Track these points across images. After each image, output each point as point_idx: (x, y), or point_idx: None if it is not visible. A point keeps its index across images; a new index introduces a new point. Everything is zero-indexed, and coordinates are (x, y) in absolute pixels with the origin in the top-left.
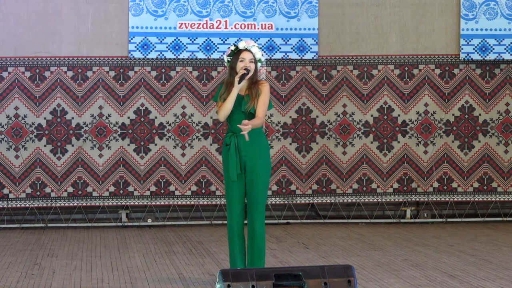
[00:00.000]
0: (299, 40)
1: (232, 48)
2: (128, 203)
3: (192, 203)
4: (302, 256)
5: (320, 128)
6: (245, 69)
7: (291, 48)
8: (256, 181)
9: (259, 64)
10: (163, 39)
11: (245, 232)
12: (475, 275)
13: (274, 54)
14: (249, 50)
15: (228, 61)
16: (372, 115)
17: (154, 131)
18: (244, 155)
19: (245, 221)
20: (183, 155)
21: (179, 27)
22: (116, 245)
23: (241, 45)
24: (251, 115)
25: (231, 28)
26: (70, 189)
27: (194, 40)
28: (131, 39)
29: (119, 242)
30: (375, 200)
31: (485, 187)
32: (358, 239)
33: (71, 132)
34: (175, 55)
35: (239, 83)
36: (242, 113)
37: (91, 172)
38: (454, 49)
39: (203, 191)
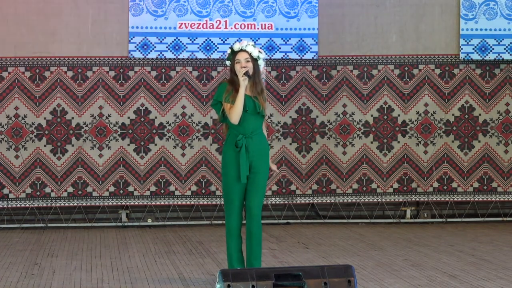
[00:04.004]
0: (299, 40)
1: (229, 51)
2: (128, 203)
3: (192, 203)
4: (302, 256)
5: (320, 128)
6: (243, 67)
7: (291, 48)
8: (257, 182)
9: (260, 61)
10: (163, 39)
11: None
12: (475, 275)
13: (274, 54)
14: (244, 50)
15: (229, 64)
16: (372, 115)
17: (154, 131)
18: (251, 156)
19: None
20: (183, 155)
21: (179, 27)
22: (116, 245)
23: (236, 47)
24: (263, 118)
25: (231, 28)
26: (70, 189)
27: (194, 40)
28: (131, 39)
29: (119, 242)
30: (375, 200)
31: (485, 187)
32: (358, 239)
33: (71, 132)
34: (175, 55)
35: (249, 79)
36: (257, 114)
37: (91, 172)
38: (454, 49)
39: (203, 191)
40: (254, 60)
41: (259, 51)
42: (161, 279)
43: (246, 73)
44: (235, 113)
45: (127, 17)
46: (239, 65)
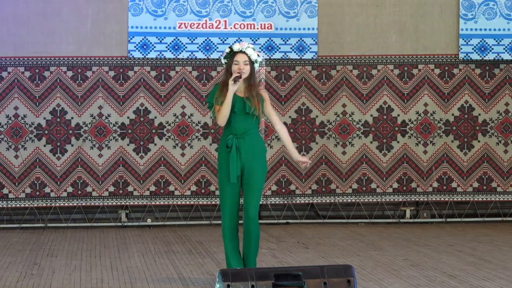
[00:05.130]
0: (299, 40)
1: (227, 50)
2: (127, 203)
3: (192, 203)
4: (302, 256)
5: (320, 128)
6: (238, 73)
7: (291, 48)
8: (252, 183)
9: (256, 65)
10: (162, 39)
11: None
12: (474, 275)
13: (274, 54)
14: (244, 52)
15: (225, 63)
16: (371, 115)
17: (153, 131)
18: (244, 157)
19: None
20: (182, 155)
21: (179, 27)
22: (115, 245)
23: (236, 48)
24: (256, 119)
25: (231, 28)
26: (70, 189)
27: (194, 40)
28: (131, 39)
29: (119, 242)
30: (374, 200)
31: (484, 187)
32: (358, 239)
33: (70, 132)
34: (174, 55)
35: (234, 81)
36: (246, 115)
37: (90, 172)
38: (454, 49)
39: (203, 191)
40: (252, 63)
41: (258, 54)
42: (160, 279)
43: (235, 79)
44: (221, 115)
45: (126, 17)
46: (237, 66)
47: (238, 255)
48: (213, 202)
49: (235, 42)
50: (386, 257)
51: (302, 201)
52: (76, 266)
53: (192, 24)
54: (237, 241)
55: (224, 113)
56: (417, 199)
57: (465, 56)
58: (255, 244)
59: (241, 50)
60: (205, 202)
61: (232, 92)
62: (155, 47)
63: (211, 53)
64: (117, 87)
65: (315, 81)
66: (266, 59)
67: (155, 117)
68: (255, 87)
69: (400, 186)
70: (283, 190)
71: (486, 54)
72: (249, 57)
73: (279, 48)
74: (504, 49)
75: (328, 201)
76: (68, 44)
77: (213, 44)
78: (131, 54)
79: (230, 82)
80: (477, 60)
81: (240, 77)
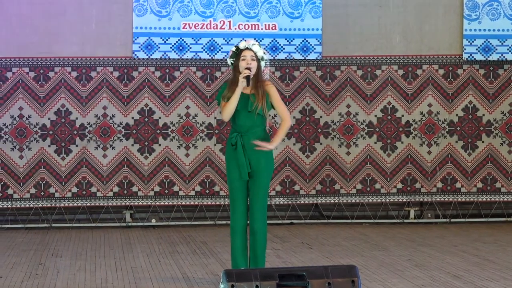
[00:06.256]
0: (303, 41)
1: (234, 49)
2: (132, 203)
3: (196, 203)
4: (306, 256)
5: (324, 128)
6: (246, 68)
7: (295, 49)
8: (258, 180)
9: (262, 63)
10: (167, 40)
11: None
12: (479, 276)
13: (278, 54)
14: (250, 49)
15: (231, 63)
16: (376, 116)
17: (158, 131)
18: (249, 154)
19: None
20: (187, 155)
21: (183, 28)
22: (120, 245)
23: (242, 45)
24: (259, 116)
25: (235, 29)
26: (74, 189)
27: (198, 40)
28: (135, 39)
29: (123, 242)
30: (378, 200)
31: (488, 188)
32: (362, 239)
33: (75, 132)
34: (179, 55)
35: (247, 84)
36: (249, 113)
37: (95, 173)
38: (458, 50)
39: (207, 191)
40: (258, 60)
41: (264, 53)
42: (165, 279)
43: (247, 77)
44: (226, 111)
45: (131, 18)
46: (244, 62)
47: (245, 255)
48: (218, 203)
49: (239, 42)
50: (390, 258)
51: (306, 202)
52: (80, 266)
53: (197, 25)
54: (245, 240)
55: (229, 108)
56: (421, 200)
57: (469, 57)
58: (262, 242)
59: (247, 47)
60: (209, 203)
61: (241, 88)
62: (159, 47)
63: (216, 54)
64: (121, 87)
65: (319, 82)
66: (270, 59)
67: (160, 118)
68: (261, 84)
69: (404, 187)
70: (287, 191)
71: (490, 55)
72: (255, 54)
73: (283, 48)
74: (508, 49)
75: (332, 201)
76: (72, 44)
77: (218, 44)
78: (135, 55)
79: (241, 78)
80: (481, 60)
81: (250, 73)
